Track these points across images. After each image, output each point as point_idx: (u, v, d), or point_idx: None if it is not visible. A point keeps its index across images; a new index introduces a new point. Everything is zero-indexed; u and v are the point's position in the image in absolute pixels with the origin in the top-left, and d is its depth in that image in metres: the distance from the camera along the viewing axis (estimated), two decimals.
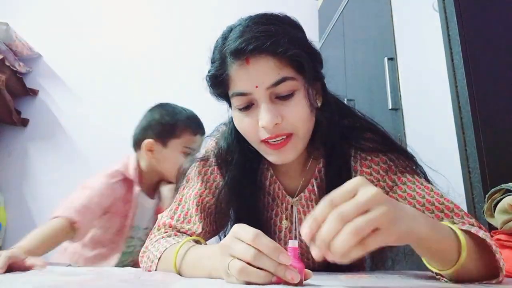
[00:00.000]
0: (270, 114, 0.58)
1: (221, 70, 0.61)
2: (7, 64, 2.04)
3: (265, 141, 0.61)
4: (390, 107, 1.40)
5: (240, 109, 0.62)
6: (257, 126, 0.60)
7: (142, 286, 0.44)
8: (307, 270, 0.46)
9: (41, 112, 2.29)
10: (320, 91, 0.68)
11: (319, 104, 0.67)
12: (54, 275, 0.54)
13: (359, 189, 0.39)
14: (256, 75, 0.58)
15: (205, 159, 0.76)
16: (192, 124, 1.19)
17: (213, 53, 0.65)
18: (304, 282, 0.46)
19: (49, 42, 2.39)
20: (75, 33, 2.44)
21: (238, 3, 2.49)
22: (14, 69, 2.12)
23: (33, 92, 2.29)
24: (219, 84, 0.63)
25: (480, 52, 1.02)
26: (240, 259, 0.44)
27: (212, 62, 0.64)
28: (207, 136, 0.81)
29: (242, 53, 0.57)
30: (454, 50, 1.04)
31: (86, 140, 2.27)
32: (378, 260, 0.74)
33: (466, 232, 0.51)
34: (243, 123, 0.63)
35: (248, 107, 0.61)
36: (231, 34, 0.61)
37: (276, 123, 0.58)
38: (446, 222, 0.52)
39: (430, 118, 1.23)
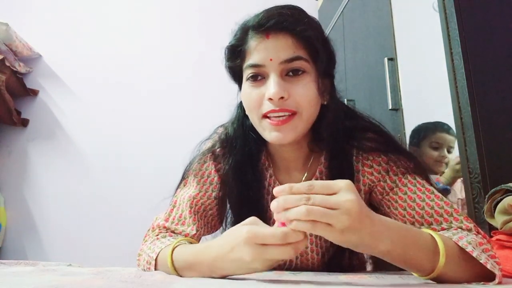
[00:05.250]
0: (278, 86, 0.61)
1: (240, 41, 0.66)
2: (7, 64, 2.04)
3: (267, 116, 0.63)
4: (390, 107, 1.40)
5: (250, 81, 0.65)
6: (263, 99, 0.63)
7: (142, 286, 0.44)
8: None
9: (41, 112, 2.29)
10: (329, 89, 0.70)
11: (326, 101, 0.69)
12: (54, 275, 0.53)
13: (340, 191, 0.43)
14: (273, 49, 0.62)
15: (202, 162, 0.77)
16: None
17: (236, 29, 0.68)
18: (305, 282, 0.46)
19: (49, 42, 2.39)
20: (75, 33, 2.44)
21: (239, 3, 2.49)
22: (14, 69, 2.12)
23: (33, 92, 2.29)
24: (236, 55, 0.67)
25: (480, 52, 1.02)
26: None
27: (234, 36, 0.68)
28: (206, 139, 0.82)
29: (263, 27, 0.62)
30: (454, 50, 1.04)
31: (86, 140, 2.27)
32: (379, 262, 0.74)
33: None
34: (250, 96, 0.65)
35: (259, 79, 0.64)
36: (255, 14, 0.65)
37: (282, 96, 0.61)
38: (428, 230, 0.53)
39: (430, 118, 1.23)
